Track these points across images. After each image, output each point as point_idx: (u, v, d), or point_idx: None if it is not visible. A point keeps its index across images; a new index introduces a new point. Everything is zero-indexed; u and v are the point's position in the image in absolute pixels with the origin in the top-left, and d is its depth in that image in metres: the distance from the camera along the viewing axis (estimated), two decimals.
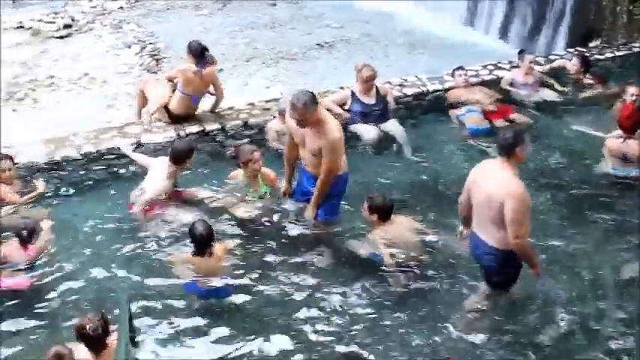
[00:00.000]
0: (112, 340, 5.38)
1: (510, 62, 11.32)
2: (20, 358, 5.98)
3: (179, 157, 7.75)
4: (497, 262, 6.05)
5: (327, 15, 16.40)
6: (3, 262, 6.77)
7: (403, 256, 6.79)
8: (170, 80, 9.66)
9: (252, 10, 16.80)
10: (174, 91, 9.41)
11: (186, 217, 7.58)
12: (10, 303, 6.57)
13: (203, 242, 6.57)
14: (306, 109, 6.71)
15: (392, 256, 6.79)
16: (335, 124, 6.99)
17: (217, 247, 6.72)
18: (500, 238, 5.88)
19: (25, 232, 6.80)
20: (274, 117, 9.28)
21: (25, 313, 6.48)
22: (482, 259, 6.20)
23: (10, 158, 7.99)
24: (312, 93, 6.88)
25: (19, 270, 6.76)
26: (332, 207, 7.40)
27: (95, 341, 5.34)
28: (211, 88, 9.57)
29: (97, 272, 6.96)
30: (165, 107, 9.44)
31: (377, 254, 6.84)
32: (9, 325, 6.35)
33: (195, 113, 9.57)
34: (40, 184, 8.13)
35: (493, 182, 5.84)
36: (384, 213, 6.94)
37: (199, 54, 9.38)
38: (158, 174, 7.78)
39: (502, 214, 5.73)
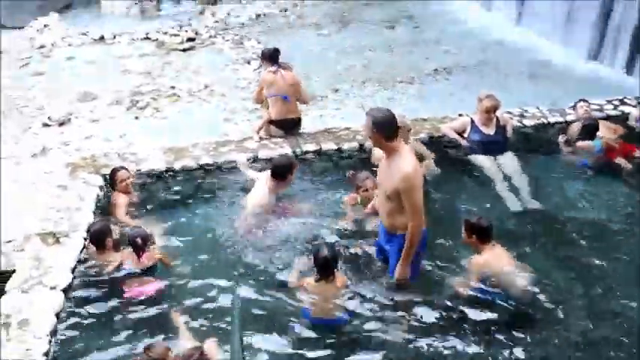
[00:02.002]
0: None
1: (637, 98, 10.85)
2: None
3: (279, 171, 7.78)
4: None
5: (446, 40, 16.23)
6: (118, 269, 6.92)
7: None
8: (260, 102, 9.89)
9: (371, 33, 16.84)
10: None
11: (289, 233, 7.59)
12: (133, 309, 6.67)
13: (327, 266, 6.41)
14: (370, 126, 6.04)
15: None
16: (411, 160, 6.06)
17: (338, 276, 6.53)
18: None
19: (138, 240, 6.93)
20: None
21: (146, 319, 6.56)
22: None
23: (125, 169, 8.23)
24: (388, 115, 6.08)
25: (135, 277, 6.87)
26: (416, 266, 6.52)
27: None
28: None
29: (208, 282, 7.00)
30: (271, 122, 9.54)
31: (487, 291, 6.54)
32: (129, 330, 6.45)
33: (301, 118, 9.78)
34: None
35: None
36: (482, 233, 6.64)
37: (272, 56, 9.65)
38: (260, 188, 7.84)
39: None
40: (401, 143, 6.13)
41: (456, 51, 15.54)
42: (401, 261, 6.29)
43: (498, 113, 9.41)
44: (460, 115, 9.89)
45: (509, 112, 10.17)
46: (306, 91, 10.04)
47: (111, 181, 8.17)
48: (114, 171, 8.17)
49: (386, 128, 5.98)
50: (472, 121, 9.35)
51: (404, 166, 5.95)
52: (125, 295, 6.68)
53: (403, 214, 6.10)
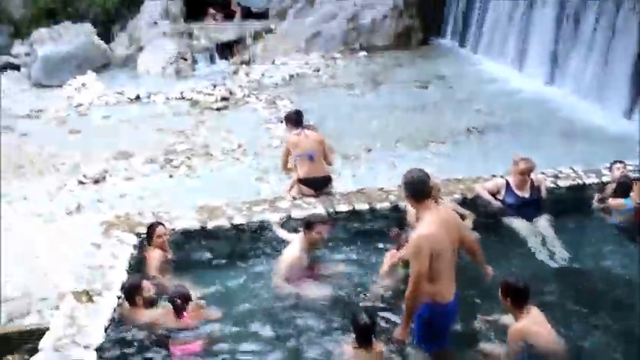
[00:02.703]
0: None
1: None
2: None
3: (311, 226, 7.75)
4: None
5: (478, 100, 16.28)
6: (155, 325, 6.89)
7: None
8: (287, 169, 9.95)
9: (403, 92, 16.97)
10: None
11: (324, 293, 7.51)
12: None
13: (367, 334, 6.25)
14: (403, 188, 6.09)
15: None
16: (426, 225, 5.89)
17: (376, 343, 6.35)
18: None
19: (178, 300, 6.91)
20: None
21: None
22: None
23: (163, 225, 8.25)
24: (416, 178, 6.02)
25: (176, 335, 6.83)
26: (428, 335, 6.21)
27: None
28: None
29: (246, 341, 6.93)
30: (300, 181, 9.61)
31: None
32: None
33: (331, 177, 9.81)
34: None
35: None
36: (518, 295, 6.46)
37: (295, 119, 9.73)
38: (293, 247, 7.81)
39: None
40: (429, 206, 6.05)
41: (488, 111, 15.55)
42: (401, 320, 6.22)
43: (533, 175, 9.33)
44: (494, 176, 9.82)
45: (544, 173, 10.06)
46: (331, 151, 10.09)
47: (148, 236, 8.18)
48: (152, 226, 8.18)
49: (411, 189, 6.00)
50: (507, 183, 9.26)
51: (417, 228, 5.97)
52: (173, 355, 6.64)
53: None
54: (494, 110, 15.54)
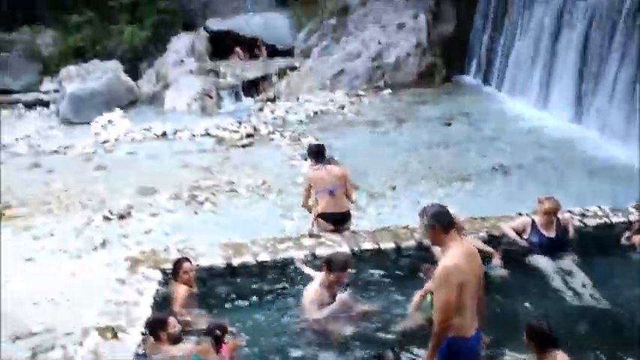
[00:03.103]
0: None
1: None
2: None
3: (332, 265, 7.72)
4: None
5: (502, 138, 16.27)
6: None
7: None
8: (308, 206, 9.86)
9: (427, 130, 16.99)
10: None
11: (349, 329, 7.46)
12: None
13: None
14: (422, 219, 5.99)
15: None
16: (452, 256, 5.83)
17: None
18: None
19: (217, 331, 6.87)
20: None
21: None
22: None
23: (190, 261, 8.26)
24: (440, 210, 5.98)
25: None
26: None
27: None
28: None
29: None
30: (319, 215, 9.60)
31: None
32: None
33: (350, 213, 9.76)
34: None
35: None
36: (541, 340, 6.36)
37: (316, 152, 9.76)
38: (315, 285, 7.78)
39: None
40: (455, 238, 5.97)
41: (512, 149, 15.53)
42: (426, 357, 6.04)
43: (559, 214, 9.25)
44: (519, 214, 9.75)
45: (570, 212, 9.98)
46: (352, 187, 10.05)
47: (174, 271, 8.18)
48: (179, 262, 8.17)
49: (440, 219, 5.91)
50: (533, 222, 9.18)
51: (442, 261, 5.86)
52: None
53: None
54: (519, 148, 15.51)
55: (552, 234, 9.11)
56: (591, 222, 9.89)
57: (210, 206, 12.73)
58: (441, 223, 5.91)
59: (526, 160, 14.80)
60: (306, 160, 14.69)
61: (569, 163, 14.48)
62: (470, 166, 14.50)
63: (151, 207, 12.73)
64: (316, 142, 10.39)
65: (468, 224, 9.15)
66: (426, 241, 8.63)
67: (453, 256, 5.83)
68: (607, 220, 9.96)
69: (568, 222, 9.42)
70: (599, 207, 10.33)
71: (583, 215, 10.04)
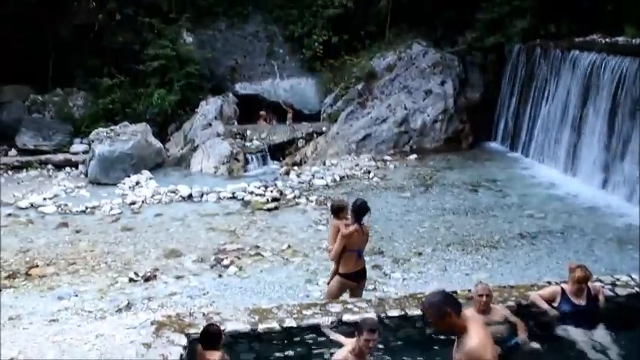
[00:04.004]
0: None
1: None
2: None
3: (362, 330, 7.59)
4: None
5: (530, 204, 16.18)
6: None
7: None
8: (337, 264, 9.77)
9: (454, 195, 16.93)
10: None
11: None
12: None
13: None
14: (432, 312, 5.72)
15: None
16: (476, 334, 5.66)
17: None
18: None
19: None
20: None
21: None
22: None
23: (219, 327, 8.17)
24: (445, 295, 5.82)
25: None
26: None
27: None
28: None
29: None
30: (343, 275, 9.65)
31: None
32: None
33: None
34: None
35: None
36: None
37: (361, 211, 9.66)
38: (343, 352, 7.66)
39: None
40: (467, 320, 5.76)
41: (540, 215, 15.41)
42: None
43: (590, 283, 9.10)
44: (549, 282, 9.61)
45: (600, 281, 9.81)
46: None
47: (205, 338, 8.08)
48: (209, 328, 8.09)
49: (453, 303, 5.71)
50: (562, 291, 9.04)
51: (468, 342, 5.61)
52: None
53: None
54: (547, 215, 15.41)
55: (583, 303, 8.96)
56: (622, 291, 9.71)
57: (235, 270, 12.70)
58: (454, 306, 5.69)
59: (554, 226, 14.69)
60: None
61: (598, 231, 14.35)
62: (497, 232, 14.38)
63: (176, 270, 12.72)
64: (362, 199, 10.14)
65: (496, 292, 9.02)
66: None
67: (477, 334, 5.67)
68: (638, 289, 9.77)
69: (599, 291, 9.26)
70: (630, 276, 10.16)
71: (614, 284, 9.86)
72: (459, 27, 23.26)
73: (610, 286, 9.79)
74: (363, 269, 9.90)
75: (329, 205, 16.00)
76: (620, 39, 18.53)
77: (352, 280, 9.73)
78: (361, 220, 9.65)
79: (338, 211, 9.85)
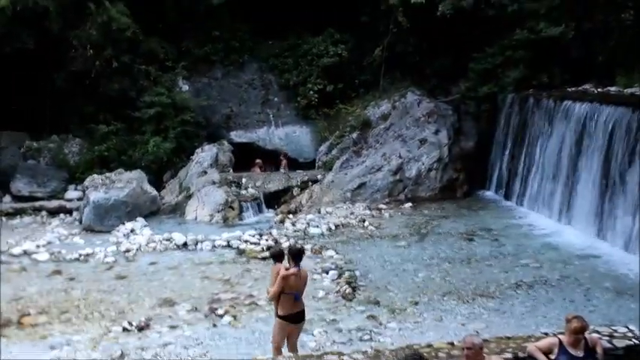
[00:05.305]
0: None
1: None
2: None
3: None
4: None
5: (525, 254, 16.13)
6: None
7: None
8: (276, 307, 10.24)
9: (449, 245, 16.90)
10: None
11: None
12: None
13: None
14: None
15: None
16: None
17: None
18: None
19: None
20: None
21: None
22: None
23: None
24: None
25: None
26: None
27: None
28: None
29: None
30: (282, 317, 10.06)
31: None
32: None
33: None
34: None
35: None
36: None
37: (298, 256, 10.12)
38: None
39: None
40: None
41: (536, 264, 15.37)
42: None
43: (587, 334, 9.04)
44: (546, 334, 9.53)
45: (598, 332, 9.75)
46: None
47: None
48: None
49: None
50: (560, 342, 8.96)
51: None
52: None
53: None
54: (542, 264, 15.37)
55: (581, 354, 8.86)
56: (620, 343, 9.63)
57: (229, 319, 12.59)
58: None
59: (550, 276, 14.63)
60: (327, 273, 14.74)
61: (594, 280, 14.30)
62: (493, 282, 14.32)
63: (170, 319, 12.62)
64: (299, 246, 10.93)
65: (493, 344, 8.95)
66: None
67: None
68: (637, 341, 9.70)
69: (596, 342, 9.18)
70: (628, 327, 10.09)
71: (611, 336, 9.79)
72: (452, 76, 23.52)
73: (608, 338, 9.72)
74: (302, 312, 10.25)
75: (324, 254, 16.12)
76: (613, 89, 18.79)
77: (290, 321, 10.08)
78: (299, 264, 10.08)
79: (277, 256, 10.40)
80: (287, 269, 9.99)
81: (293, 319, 10.10)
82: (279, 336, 10.14)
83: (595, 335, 9.40)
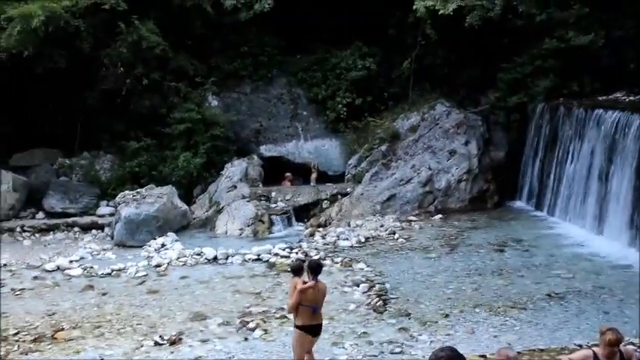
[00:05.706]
0: None
1: None
2: None
3: None
4: None
5: (557, 264, 15.97)
6: None
7: None
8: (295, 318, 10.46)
9: (480, 256, 16.78)
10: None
11: None
12: None
13: None
14: None
15: None
16: None
17: None
18: None
19: None
20: None
21: None
22: None
23: None
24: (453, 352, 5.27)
25: None
26: None
27: None
28: None
29: None
30: (300, 327, 10.26)
31: None
32: None
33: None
34: None
35: None
36: None
37: (316, 269, 10.37)
38: None
39: None
40: None
41: (568, 275, 15.22)
42: None
43: (622, 346, 8.91)
44: (580, 346, 9.46)
45: (633, 344, 9.64)
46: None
47: None
48: None
49: None
50: (594, 355, 8.84)
51: None
52: None
53: None
54: (575, 275, 15.22)
55: None
56: None
57: (260, 333, 12.62)
58: None
59: (583, 287, 14.47)
60: (357, 286, 14.71)
61: (627, 290, 14.10)
62: (525, 293, 14.19)
63: (201, 333, 12.67)
64: (317, 260, 11.56)
65: (526, 356, 8.89)
66: None
67: None
68: None
69: (632, 355, 9.04)
70: None
71: None
72: (481, 87, 23.44)
73: None
74: (319, 325, 10.45)
75: (354, 267, 16.09)
76: None
77: (307, 332, 10.25)
78: (317, 277, 10.28)
79: (297, 270, 10.63)
80: (304, 282, 10.21)
81: (310, 330, 10.30)
82: (300, 348, 10.35)
83: (630, 347, 9.28)
